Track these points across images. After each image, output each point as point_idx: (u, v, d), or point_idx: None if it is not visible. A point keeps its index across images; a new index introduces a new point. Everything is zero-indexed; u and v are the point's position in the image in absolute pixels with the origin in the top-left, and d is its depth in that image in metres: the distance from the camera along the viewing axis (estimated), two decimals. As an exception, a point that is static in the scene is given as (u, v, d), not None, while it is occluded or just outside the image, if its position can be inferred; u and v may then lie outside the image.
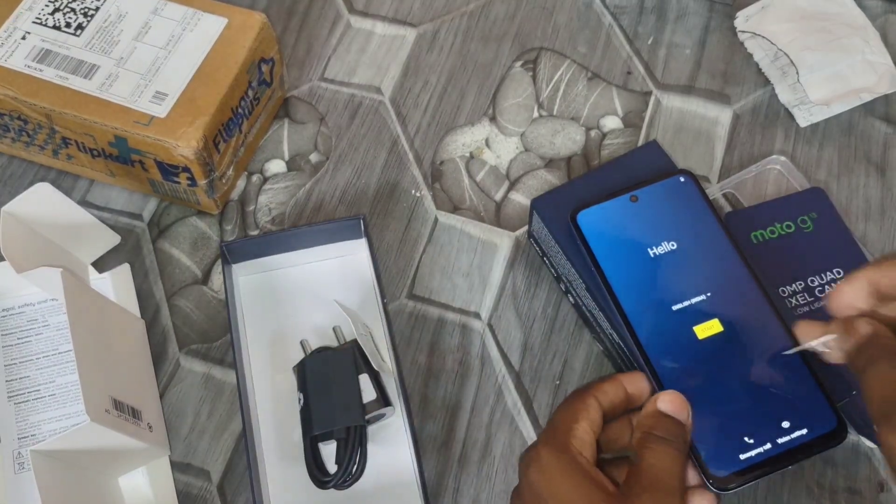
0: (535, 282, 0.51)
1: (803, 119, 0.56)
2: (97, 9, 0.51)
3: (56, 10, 0.51)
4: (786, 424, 0.38)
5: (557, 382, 0.49)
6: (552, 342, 0.50)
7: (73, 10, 0.51)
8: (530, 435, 0.47)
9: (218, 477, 0.46)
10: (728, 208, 0.53)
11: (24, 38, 0.50)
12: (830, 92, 0.55)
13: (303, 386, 0.46)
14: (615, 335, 0.44)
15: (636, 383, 0.40)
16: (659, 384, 0.40)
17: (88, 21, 0.51)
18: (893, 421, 0.31)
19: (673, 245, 0.43)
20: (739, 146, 0.56)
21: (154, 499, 0.45)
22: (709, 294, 0.42)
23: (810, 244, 0.50)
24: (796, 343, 0.39)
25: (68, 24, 0.51)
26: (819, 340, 0.37)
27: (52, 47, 0.50)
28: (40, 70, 0.49)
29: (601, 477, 0.36)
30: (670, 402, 0.37)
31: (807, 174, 0.54)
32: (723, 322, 0.41)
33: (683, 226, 0.44)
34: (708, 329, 0.41)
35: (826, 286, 0.48)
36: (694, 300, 0.42)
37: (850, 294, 0.36)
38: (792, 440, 0.38)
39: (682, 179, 0.45)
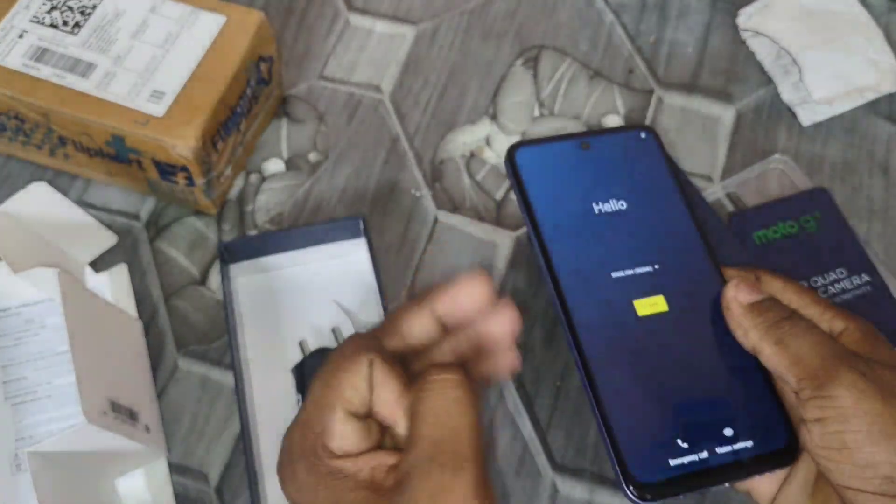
0: (536, 282, 0.51)
1: (806, 118, 0.56)
2: (94, 7, 0.51)
3: (53, 7, 0.51)
4: (728, 432, 0.32)
5: (559, 384, 0.48)
6: (553, 342, 0.49)
7: (70, 8, 0.51)
8: (531, 436, 0.47)
9: (216, 479, 0.46)
10: (731, 208, 0.52)
11: (20, 36, 0.50)
12: (833, 91, 0.55)
13: (302, 387, 0.45)
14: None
15: (451, 302, 0.32)
16: (583, 358, 0.33)
17: (86, 19, 0.51)
18: None
19: (622, 204, 0.37)
20: (742, 145, 0.55)
21: (151, 501, 0.45)
22: (656, 266, 0.36)
23: (814, 244, 0.49)
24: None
25: (65, 23, 0.51)
26: None
27: (49, 46, 0.50)
28: (37, 69, 0.49)
29: (372, 474, 0.28)
30: (462, 295, 0.32)
31: (810, 174, 0.54)
32: (669, 301, 0.35)
33: (637, 185, 0.38)
34: (651, 306, 0.35)
35: (829, 286, 0.48)
36: (638, 270, 0.36)
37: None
38: (733, 452, 0.32)
39: (642, 135, 0.39)
